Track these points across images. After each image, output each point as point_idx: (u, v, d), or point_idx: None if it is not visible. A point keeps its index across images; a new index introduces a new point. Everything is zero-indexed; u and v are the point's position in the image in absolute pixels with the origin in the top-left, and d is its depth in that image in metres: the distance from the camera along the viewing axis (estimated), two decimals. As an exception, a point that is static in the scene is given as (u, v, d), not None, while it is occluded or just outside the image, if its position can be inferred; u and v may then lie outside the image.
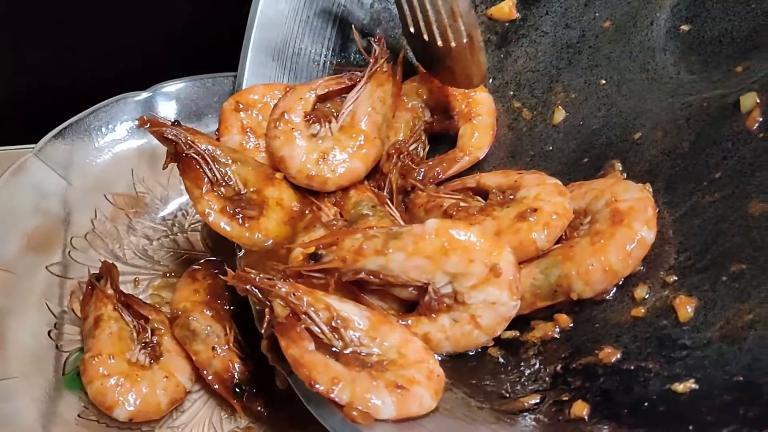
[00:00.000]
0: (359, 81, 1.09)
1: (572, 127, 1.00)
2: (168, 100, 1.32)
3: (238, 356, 1.05)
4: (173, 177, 1.28)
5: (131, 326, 1.07)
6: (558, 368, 0.82)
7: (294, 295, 0.85)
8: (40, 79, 1.42)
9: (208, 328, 1.06)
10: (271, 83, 1.14)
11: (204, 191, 0.99)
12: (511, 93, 1.09)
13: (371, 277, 0.89)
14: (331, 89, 1.09)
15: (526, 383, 0.83)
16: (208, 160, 0.99)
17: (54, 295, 1.12)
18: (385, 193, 1.08)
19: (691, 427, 0.66)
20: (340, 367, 0.81)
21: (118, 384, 0.99)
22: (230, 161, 1.00)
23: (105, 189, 1.25)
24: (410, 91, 1.15)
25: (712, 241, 0.80)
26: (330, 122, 1.06)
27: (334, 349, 0.84)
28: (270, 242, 1.00)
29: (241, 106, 1.10)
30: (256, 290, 0.86)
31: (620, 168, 0.94)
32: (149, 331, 1.07)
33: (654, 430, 0.69)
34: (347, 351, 0.84)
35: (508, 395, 0.82)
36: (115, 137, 1.28)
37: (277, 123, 1.05)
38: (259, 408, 1.03)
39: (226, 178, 1.00)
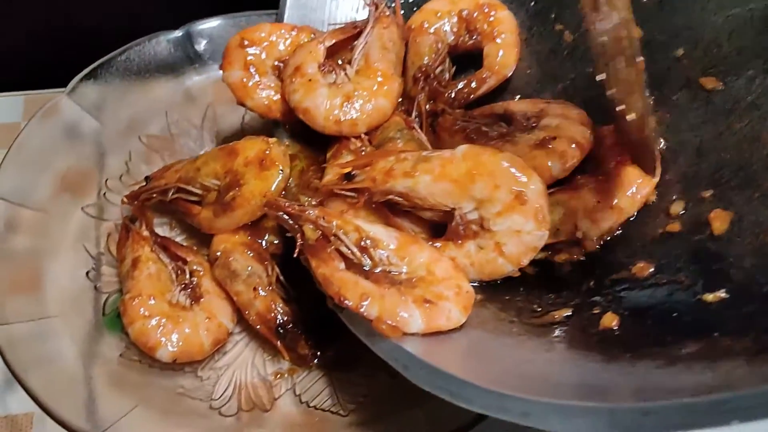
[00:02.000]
0: (365, 27, 1.13)
1: None
2: (201, 38, 1.34)
3: (281, 297, 1.06)
4: (208, 119, 1.33)
5: (169, 268, 1.10)
6: (591, 284, 0.85)
7: (323, 218, 0.91)
8: (71, 21, 1.45)
9: (249, 268, 1.07)
10: (278, 23, 1.18)
11: (197, 213, 1.10)
12: (553, 15, 1.10)
13: (400, 198, 0.93)
14: (338, 39, 1.13)
15: (558, 298, 0.86)
16: (184, 187, 1.10)
17: (90, 236, 1.15)
18: (413, 117, 1.11)
19: (716, 334, 0.69)
20: (369, 284, 0.86)
21: (159, 325, 1.02)
22: (197, 171, 1.10)
23: (139, 131, 1.28)
24: (430, 15, 1.18)
25: (748, 158, 0.82)
26: (345, 69, 1.09)
27: (364, 268, 0.89)
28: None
29: (246, 43, 1.14)
30: (287, 216, 0.91)
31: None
32: (188, 273, 1.10)
33: (680, 337, 0.71)
34: (377, 270, 0.89)
35: (539, 309, 0.85)
36: (148, 77, 1.30)
37: (293, 78, 1.09)
38: (302, 350, 1.05)
39: (205, 188, 1.10)
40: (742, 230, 0.77)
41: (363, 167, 0.95)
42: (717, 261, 0.77)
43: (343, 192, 0.97)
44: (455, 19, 1.19)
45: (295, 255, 0.90)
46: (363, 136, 1.08)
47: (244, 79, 1.13)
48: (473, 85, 1.14)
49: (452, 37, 1.19)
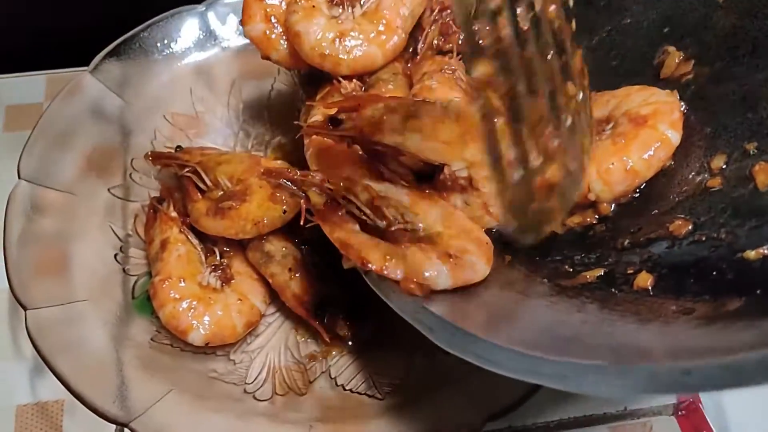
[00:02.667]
0: None
1: None
2: (225, 13, 1.33)
3: (316, 276, 1.06)
4: (233, 96, 1.32)
5: (199, 249, 1.09)
6: (626, 243, 0.84)
7: (329, 181, 0.90)
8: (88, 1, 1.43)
9: (284, 249, 1.07)
10: None
11: (195, 201, 1.07)
12: None
13: (387, 150, 0.92)
14: None
15: (590, 258, 0.85)
16: (200, 172, 1.09)
17: (117, 217, 1.14)
18: (419, 47, 1.10)
19: (758, 291, 0.67)
20: (389, 244, 0.85)
21: (191, 307, 1.02)
22: (218, 164, 1.09)
23: (164, 109, 1.27)
24: None
25: None
26: (354, 7, 1.08)
27: (379, 228, 0.88)
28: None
29: None
30: (289, 183, 0.92)
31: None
32: (218, 254, 1.10)
33: (720, 296, 0.70)
34: (393, 229, 0.87)
35: (571, 270, 0.84)
36: (172, 54, 1.29)
37: (299, 0, 1.08)
38: (341, 330, 1.04)
39: (215, 183, 1.09)
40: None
41: (350, 110, 0.92)
42: (760, 216, 0.75)
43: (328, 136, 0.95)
44: None
45: (302, 222, 0.90)
46: (355, 80, 1.08)
47: (267, 32, 1.11)
48: None
49: None
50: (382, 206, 0.88)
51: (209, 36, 1.32)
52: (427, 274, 0.81)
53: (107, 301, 1.04)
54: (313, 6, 1.07)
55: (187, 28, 1.30)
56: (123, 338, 1.00)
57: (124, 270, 1.09)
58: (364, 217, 0.88)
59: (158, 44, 1.27)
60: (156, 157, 1.16)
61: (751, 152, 0.80)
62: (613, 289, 0.78)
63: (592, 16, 1.04)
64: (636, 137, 0.88)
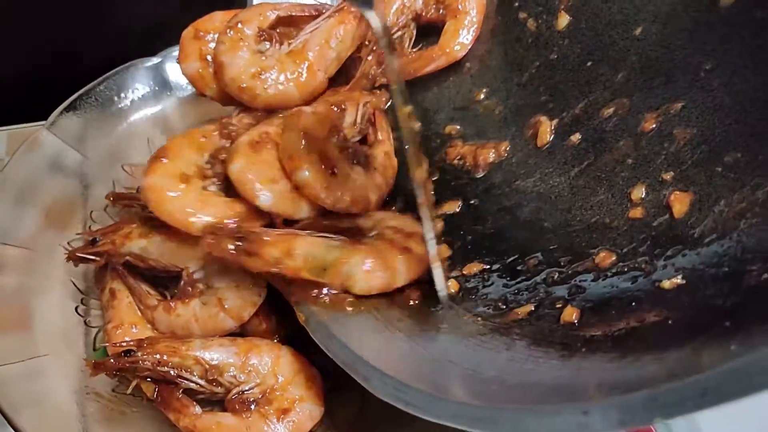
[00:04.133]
0: (324, 13, 1.12)
1: (576, 31, 1.00)
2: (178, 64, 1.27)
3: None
4: None
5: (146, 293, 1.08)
6: (555, 277, 0.84)
7: (160, 362, 0.93)
8: (48, 54, 1.45)
9: None
10: (230, 10, 1.17)
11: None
12: (516, 4, 1.09)
13: (138, 261, 1.03)
14: (295, 14, 1.13)
15: (522, 294, 0.85)
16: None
17: (78, 270, 1.13)
18: (356, 75, 1.12)
19: (671, 321, 0.68)
20: (232, 419, 0.93)
21: None
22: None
23: (122, 160, 1.27)
24: None
25: (709, 132, 0.80)
26: (282, 44, 1.09)
27: (218, 394, 0.95)
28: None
29: (200, 34, 1.15)
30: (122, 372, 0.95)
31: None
32: (168, 296, 1.08)
33: (639, 325, 0.70)
34: (232, 395, 0.94)
35: (504, 307, 0.84)
36: (127, 106, 1.30)
37: (229, 31, 1.10)
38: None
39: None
40: (703, 212, 0.76)
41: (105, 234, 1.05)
42: (675, 245, 0.75)
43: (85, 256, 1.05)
44: None
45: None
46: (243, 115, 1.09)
47: (200, 70, 1.14)
48: (420, 61, 1.14)
49: (420, 4, 1.18)
50: (217, 376, 0.94)
51: (164, 86, 1.33)
52: None
53: (69, 354, 1.04)
54: (241, 39, 1.09)
55: (142, 80, 1.32)
56: (85, 391, 1.00)
57: (85, 322, 1.09)
58: (202, 390, 0.94)
59: (114, 97, 1.28)
60: (117, 198, 1.16)
61: (668, 181, 0.81)
62: (542, 325, 0.78)
63: (521, 52, 1.06)
64: (403, 244, 0.92)
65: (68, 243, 1.13)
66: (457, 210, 1.00)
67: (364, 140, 1.10)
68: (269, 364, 0.96)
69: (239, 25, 1.09)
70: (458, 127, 1.09)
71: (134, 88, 1.31)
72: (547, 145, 0.97)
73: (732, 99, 0.78)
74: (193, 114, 1.30)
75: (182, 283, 1.01)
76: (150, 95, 1.32)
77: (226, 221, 0.96)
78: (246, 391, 0.94)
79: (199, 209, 0.97)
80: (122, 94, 1.29)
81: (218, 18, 1.16)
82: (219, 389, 0.94)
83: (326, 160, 0.96)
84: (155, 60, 1.32)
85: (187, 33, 1.16)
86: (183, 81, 1.32)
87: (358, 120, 1.07)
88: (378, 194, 1.01)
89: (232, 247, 0.90)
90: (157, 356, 0.93)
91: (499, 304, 0.84)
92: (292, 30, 1.13)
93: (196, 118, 1.29)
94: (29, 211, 1.13)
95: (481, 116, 1.07)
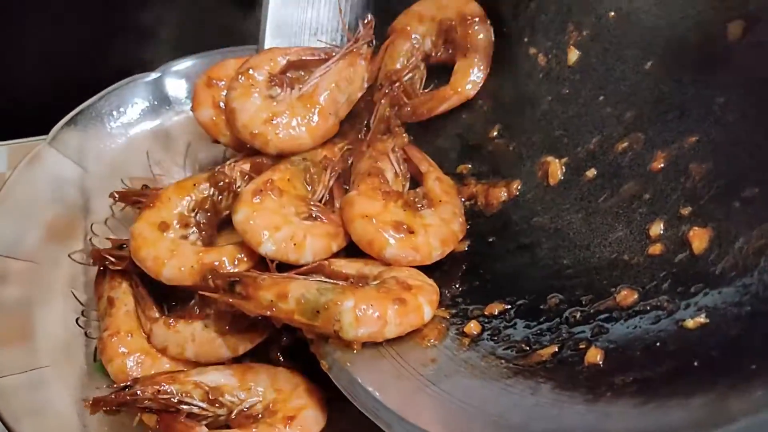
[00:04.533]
0: (333, 56, 1.13)
1: (587, 66, 1.00)
2: (177, 78, 1.36)
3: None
4: (189, 157, 1.34)
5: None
6: (577, 316, 0.84)
7: (160, 391, 0.93)
8: (48, 69, 1.47)
9: None
10: (242, 57, 1.19)
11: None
12: (526, 39, 1.08)
13: None
14: (305, 58, 1.14)
15: (544, 336, 0.85)
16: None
17: (79, 282, 1.14)
18: (371, 123, 1.13)
19: (696, 363, 0.68)
20: None
21: (138, 362, 1.02)
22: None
23: (122, 173, 1.28)
24: (413, 19, 1.18)
25: (725, 166, 0.80)
26: (293, 89, 1.10)
27: (221, 418, 0.95)
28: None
29: (213, 82, 1.17)
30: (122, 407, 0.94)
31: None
32: (165, 309, 1.08)
33: (663, 369, 0.70)
34: (234, 415, 0.95)
35: (528, 348, 0.84)
36: (127, 121, 1.32)
37: (240, 77, 1.11)
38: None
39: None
40: (723, 248, 0.75)
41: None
42: (697, 282, 0.75)
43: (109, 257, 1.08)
44: (437, 27, 1.18)
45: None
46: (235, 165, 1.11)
47: (214, 117, 1.15)
48: (432, 102, 1.14)
49: (429, 45, 1.19)
50: (218, 396, 0.94)
51: (163, 101, 1.34)
52: None
53: (70, 365, 1.05)
54: (252, 85, 1.10)
55: (142, 95, 1.33)
56: (85, 402, 0.97)
57: (86, 333, 1.10)
58: (204, 413, 0.93)
59: (114, 112, 1.30)
60: (123, 196, 1.15)
61: (686, 216, 0.81)
62: (566, 367, 0.78)
63: (532, 88, 1.06)
64: (399, 295, 0.91)
65: (69, 255, 1.16)
66: (466, 249, 1.03)
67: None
68: (267, 381, 0.97)
69: (250, 71, 1.11)
70: (470, 165, 1.11)
71: (134, 102, 1.33)
72: (561, 182, 0.98)
73: (746, 133, 0.78)
74: (192, 128, 1.30)
75: (192, 302, 1.03)
76: (149, 110, 1.34)
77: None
78: (248, 408, 0.95)
79: (168, 259, 1.00)
80: (122, 109, 1.31)
81: (230, 65, 1.17)
82: (221, 410, 0.94)
83: (398, 226, 0.98)
84: (154, 75, 1.34)
85: (200, 81, 1.17)
86: (182, 96, 1.34)
87: (399, 169, 1.09)
88: (457, 220, 1.03)
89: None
90: (156, 386, 0.93)
91: (523, 345, 0.84)
92: (303, 74, 1.15)
93: (194, 132, 1.29)
94: (31, 224, 1.16)
95: (494, 153, 1.08)
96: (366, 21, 1.17)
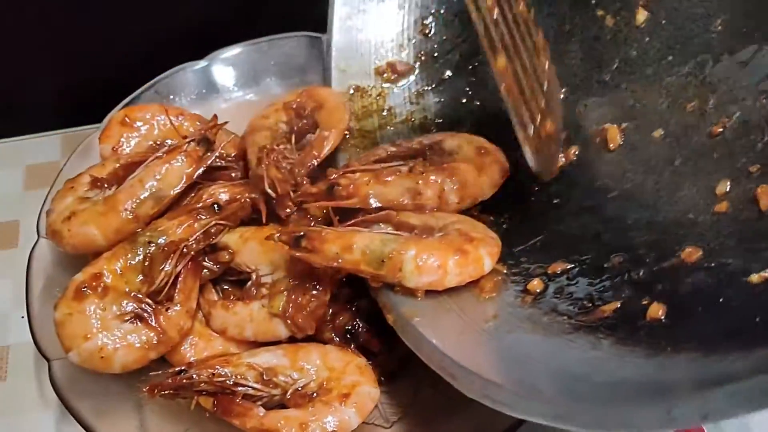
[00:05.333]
0: (149, 156, 1.10)
1: (655, 26, 0.99)
2: (225, 66, 1.35)
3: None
4: None
5: None
6: (640, 274, 0.84)
7: (215, 374, 0.94)
8: (100, 59, 1.47)
9: None
10: (167, 106, 1.21)
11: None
12: (593, 1, 1.07)
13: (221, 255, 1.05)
14: (134, 160, 1.10)
15: (606, 293, 0.86)
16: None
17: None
18: (266, 191, 1.08)
19: (758, 319, 0.68)
20: (296, 412, 0.93)
21: (191, 344, 1.03)
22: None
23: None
24: (259, 121, 1.20)
25: None
26: (108, 190, 1.09)
27: (276, 398, 0.96)
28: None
29: (127, 121, 1.18)
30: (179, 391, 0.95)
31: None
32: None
33: (725, 324, 0.70)
34: (289, 394, 0.95)
35: (590, 305, 0.85)
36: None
37: (67, 183, 1.10)
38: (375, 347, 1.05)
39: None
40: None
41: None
42: (763, 239, 0.75)
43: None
44: (283, 113, 1.21)
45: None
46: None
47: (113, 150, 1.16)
48: (314, 148, 1.14)
49: (286, 128, 1.20)
50: (272, 377, 0.95)
51: (212, 89, 1.35)
52: (339, 423, 0.91)
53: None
54: (71, 187, 1.08)
55: (191, 83, 1.33)
56: (140, 381, 1.00)
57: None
58: (259, 393, 0.94)
59: (163, 100, 1.30)
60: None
61: (753, 174, 0.80)
62: (626, 323, 0.79)
63: (600, 50, 1.05)
64: (461, 246, 0.93)
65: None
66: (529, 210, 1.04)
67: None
68: (319, 359, 0.98)
69: (79, 179, 1.08)
70: None
71: (183, 91, 1.33)
72: (624, 145, 0.97)
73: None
74: (240, 115, 1.28)
75: (249, 283, 1.04)
76: (198, 98, 1.34)
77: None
78: (303, 387, 0.96)
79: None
80: (171, 97, 1.32)
81: (152, 109, 1.19)
82: (276, 390, 0.95)
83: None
84: (202, 63, 1.35)
85: (117, 117, 1.19)
86: (229, 83, 1.36)
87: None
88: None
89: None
90: (211, 369, 0.94)
91: (585, 302, 0.86)
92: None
93: (242, 119, 1.28)
94: None
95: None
96: (210, 119, 1.15)
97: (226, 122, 1.14)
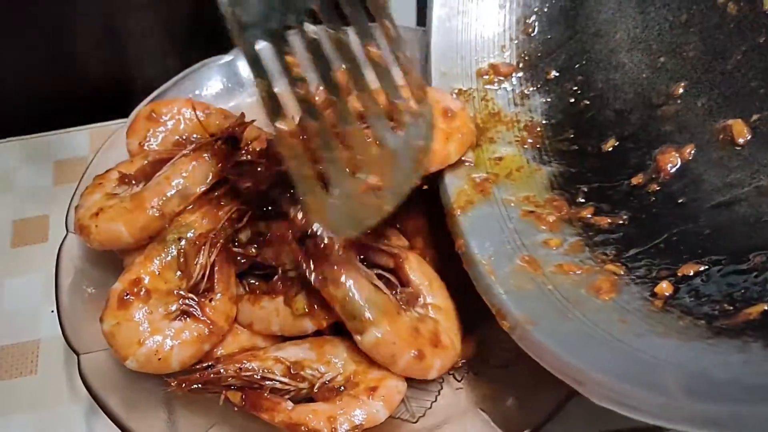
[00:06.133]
0: (172, 157, 1.12)
1: None
2: None
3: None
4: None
5: None
6: None
7: (242, 368, 0.95)
8: (126, 56, 1.52)
9: None
10: (193, 100, 1.21)
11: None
12: None
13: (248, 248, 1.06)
14: (162, 157, 1.12)
15: (749, 293, 0.80)
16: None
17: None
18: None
19: None
20: (324, 405, 0.94)
21: None
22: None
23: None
24: None
25: None
26: (138, 186, 1.11)
27: (303, 392, 0.96)
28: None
29: (154, 116, 1.19)
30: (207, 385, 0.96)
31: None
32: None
33: None
34: (316, 388, 0.96)
35: (730, 308, 0.80)
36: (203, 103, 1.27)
37: (95, 179, 1.12)
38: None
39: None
40: None
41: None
42: None
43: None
44: None
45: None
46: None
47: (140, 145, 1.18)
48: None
49: None
50: (299, 371, 0.96)
51: (237, 83, 1.35)
52: (369, 416, 0.92)
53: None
54: (100, 183, 1.10)
55: (216, 77, 1.33)
56: (171, 376, 1.00)
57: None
58: (287, 387, 0.95)
59: (189, 95, 1.29)
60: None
61: None
62: None
63: (721, 40, 1.00)
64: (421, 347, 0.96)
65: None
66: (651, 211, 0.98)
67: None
68: (345, 353, 0.99)
69: (107, 175, 1.11)
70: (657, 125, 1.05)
71: (208, 85, 1.33)
72: (758, 135, 0.92)
73: None
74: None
75: (275, 278, 1.03)
76: (223, 92, 1.34)
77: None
78: (330, 381, 0.97)
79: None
80: (197, 92, 1.31)
81: (178, 103, 1.20)
82: (303, 384, 0.96)
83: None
84: (227, 58, 1.34)
85: (143, 112, 1.19)
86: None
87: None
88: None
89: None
90: (238, 364, 0.95)
91: (725, 305, 0.81)
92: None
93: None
94: None
95: (681, 112, 1.02)
96: (238, 117, 1.16)
97: (253, 120, 1.13)
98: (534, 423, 0.90)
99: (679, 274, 0.87)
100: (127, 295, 0.98)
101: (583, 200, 1.01)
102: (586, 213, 1.00)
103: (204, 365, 0.96)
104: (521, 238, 0.98)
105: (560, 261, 0.95)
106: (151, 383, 0.99)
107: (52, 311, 1.03)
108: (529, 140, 1.12)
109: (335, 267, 0.96)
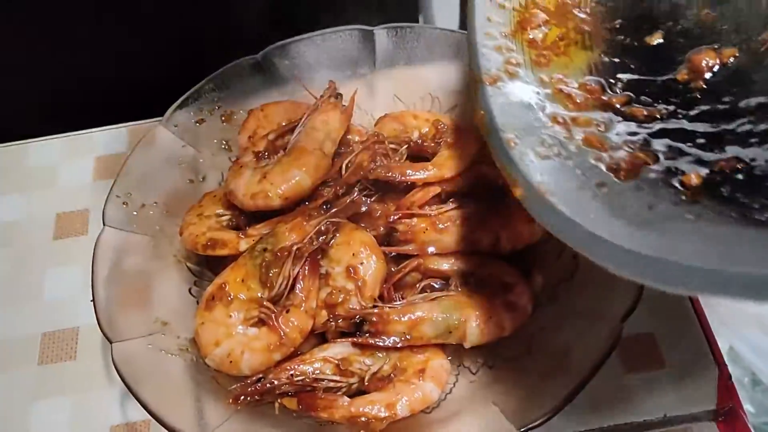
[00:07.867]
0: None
1: None
2: (280, 59, 1.38)
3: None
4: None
5: None
6: None
7: (294, 374, 0.99)
8: (161, 57, 1.57)
9: None
10: (296, 101, 1.34)
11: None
12: None
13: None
14: (285, 128, 1.25)
15: None
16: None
17: (192, 255, 1.21)
18: (345, 168, 1.18)
19: None
20: (379, 394, 0.98)
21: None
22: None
23: (230, 152, 1.35)
24: (408, 115, 1.30)
25: None
26: (278, 153, 1.21)
27: (354, 386, 1.01)
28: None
29: (262, 114, 1.31)
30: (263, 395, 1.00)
31: None
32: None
33: None
34: (367, 380, 1.00)
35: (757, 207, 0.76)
36: (234, 101, 1.36)
37: (234, 165, 1.22)
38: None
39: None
40: None
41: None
42: None
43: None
44: (428, 125, 1.28)
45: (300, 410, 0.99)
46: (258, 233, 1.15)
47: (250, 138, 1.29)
48: (409, 168, 1.18)
49: (417, 135, 1.27)
50: (347, 366, 1.00)
51: (266, 82, 1.38)
52: (425, 397, 0.97)
53: (183, 331, 1.11)
54: (241, 166, 1.19)
55: (246, 76, 1.36)
56: (198, 364, 1.07)
57: (197, 302, 1.14)
58: (338, 384, 0.99)
59: (222, 93, 1.35)
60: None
61: None
62: None
63: None
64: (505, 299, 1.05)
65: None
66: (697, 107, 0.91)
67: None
68: None
69: (240, 158, 1.22)
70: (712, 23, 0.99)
71: (239, 84, 1.36)
72: None
73: None
74: (294, 109, 1.34)
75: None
76: (253, 90, 1.37)
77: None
78: (378, 371, 1.01)
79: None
80: (229, 90, 1.35)
81: (283, 105, 1.32)
82: (353, 379, 1.00)
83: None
84: (257, 57, 1.37)
85: (256, 112, 1.31)
86: (283, 76, 1.38)
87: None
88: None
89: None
90: (289, 371, 0.99)
91: (755, 205, 0.75)
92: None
93: (298, 111, 1.32)
94: (148, 201, 1.23)
95: (743, 8, 0.96)
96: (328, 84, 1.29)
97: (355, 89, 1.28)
98: (542, 416, 0.91)
99: (716, 170, 0.81)
100: (213, 298, 1.05)
101: (619, 90, 0.94)
102: (619, 102, 0.92)
103: (255, 378, 1.00)
104: (548, 114, 0.91)
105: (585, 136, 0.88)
106: (182, 372, 1.04)
107: (91, 300, 1.05)
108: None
109: (400, 309, 1.02)
